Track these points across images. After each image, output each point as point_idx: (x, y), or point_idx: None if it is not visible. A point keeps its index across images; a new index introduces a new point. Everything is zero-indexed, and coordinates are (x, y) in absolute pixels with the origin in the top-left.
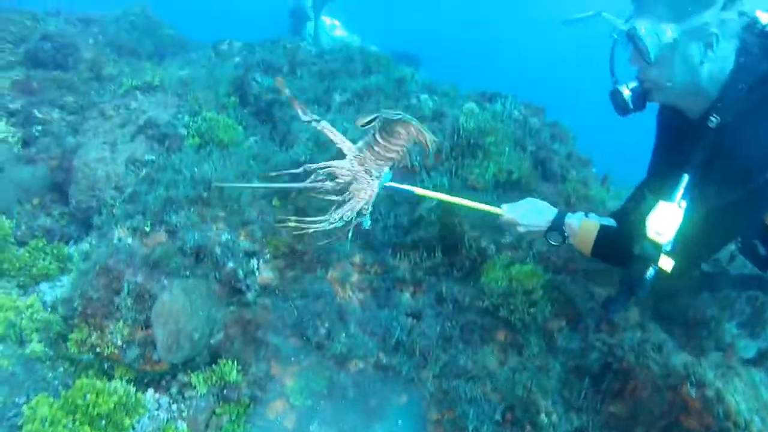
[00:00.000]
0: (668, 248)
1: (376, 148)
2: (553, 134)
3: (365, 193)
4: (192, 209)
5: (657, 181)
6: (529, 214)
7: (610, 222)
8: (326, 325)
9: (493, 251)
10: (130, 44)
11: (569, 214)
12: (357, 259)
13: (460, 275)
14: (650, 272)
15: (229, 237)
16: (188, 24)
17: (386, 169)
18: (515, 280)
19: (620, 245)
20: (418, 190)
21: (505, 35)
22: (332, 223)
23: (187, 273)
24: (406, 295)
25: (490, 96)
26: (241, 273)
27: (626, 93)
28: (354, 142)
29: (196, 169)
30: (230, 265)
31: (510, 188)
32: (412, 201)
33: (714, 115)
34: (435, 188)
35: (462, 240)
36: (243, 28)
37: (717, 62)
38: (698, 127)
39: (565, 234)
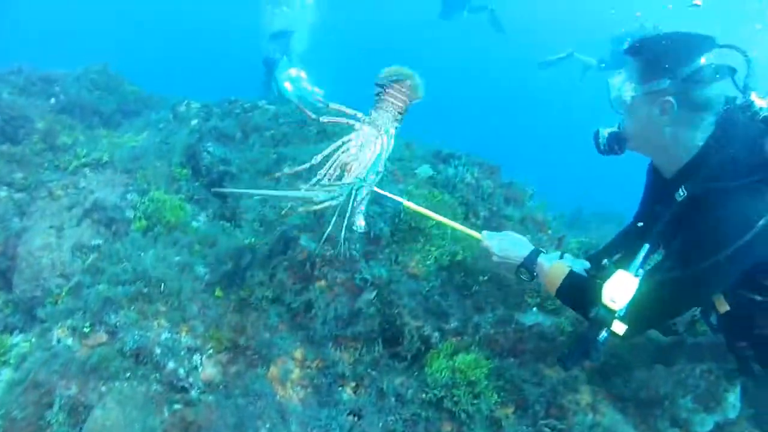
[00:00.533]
0: (622, 313)
1: (385, 102)
2: (507, 197)
3: (371, 151)
4: (132, 306)
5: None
6: (506, 246)
7: (584, 265)
8: (267, 425)
9: (438, 338)
10: (92, 104)
11: (543, 253)
12: (298, 353)
13: (403, 366)
14: (603, 335)
15: (170, 335)
16: (160, 75)
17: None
18: (458, 371)
19: (581, 298)
20: (406, 202)
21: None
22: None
23: (128, 375)
24: (347, 392)
25: (445, 156)
26: (182, 372)
27: (604, 134)
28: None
29: (139, 260)
30: (171, 365)
31: (456, 270)
32: (355, 293)
33: (683, 188)
34: (373, 279)
35: (403, 331)
36: (218, 76)
37: (684, 128)
38: (669, 195)
39: (534, 273)
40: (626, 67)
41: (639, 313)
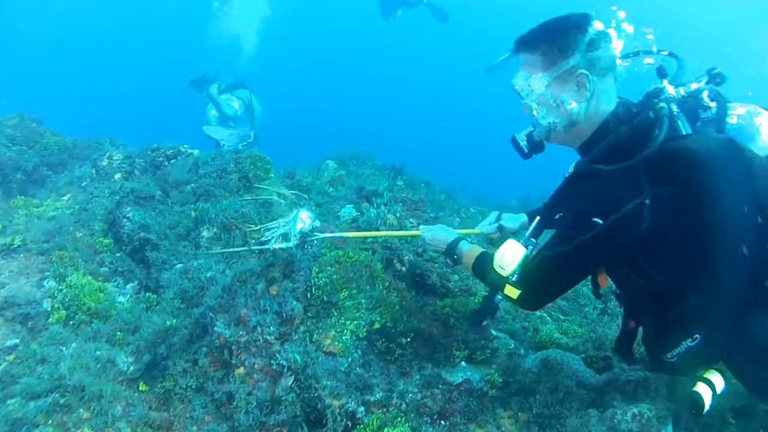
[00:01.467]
0: (514, 279)
1: None
2: None
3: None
4: (50, 420)
5: None
6: (435, 236)
7: (522, 218)
8: None
9: (363, 413)
10: (12, 161)
11: (465, 241)
12: None
13: None
14: (498, 297)
15: None
16: (84, 115)
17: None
18: None
19: (486, 269)
20: (346, 234)
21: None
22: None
23: None
24: None
25: (368, 194)
26: None
27: (523, 137)
28: None
29: (58, 361)
30: None
31: (376, 337)
32: (275, 378)
33: (572, 165)
34: (289, 363)
35: (326, 414)
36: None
37: (595, 98)
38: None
39: (455, 256)
40: (524, 66)
41: (531, 283)
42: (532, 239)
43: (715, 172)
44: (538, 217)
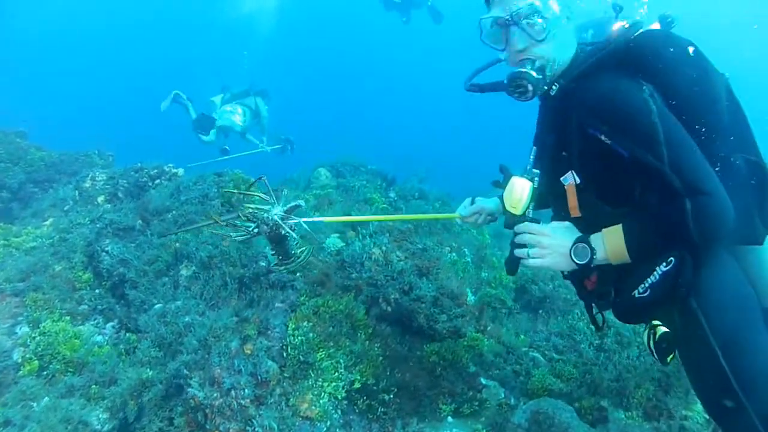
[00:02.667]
0: (529, 216)
1: None
2: (420, 268)
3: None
4: None
5: None
6: (551, 244)
7: (496, 203)
8: None
9: None
10: None
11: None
12: None
13: None
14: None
15: None
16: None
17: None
18: None
19: (657, 235)
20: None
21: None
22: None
23: None
24: None
25: (354, 222)
26: None
27: (531, 73)
28: None
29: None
30: None
31: (357, 396)
32: None
33: (555, 83)
34: (264, 431)
35: None
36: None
37: (572, 28)
38: (543, 99)
39: (593, 255)
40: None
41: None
42: (535, 170)
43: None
44: (534, 148)
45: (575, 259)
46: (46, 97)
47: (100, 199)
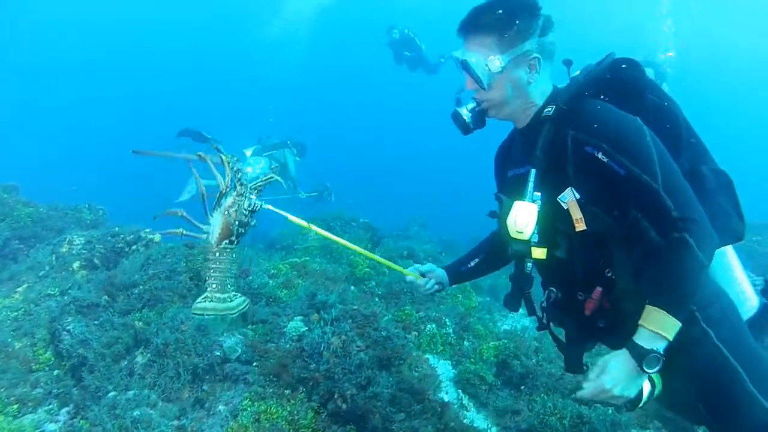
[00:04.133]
0: (536, 240)
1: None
2: (381, 359)
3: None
4: None
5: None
6: (614, 378)
7: (443, 274)
8: None
9: None
10: None
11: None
12: None
13: None
14: (528, 266)
15: None
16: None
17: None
18: None
19: (683, 282)
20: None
21: None
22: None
23: None
24: None
25: (318, 304)
26: None
27: (465, 113)
28: None
29: None
30: None
31: None
32: None
33: (548, 107)
34: None
35: None
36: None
37: (543, 79)
38: (532, 128)
39: (658, 350)
40: (474, 45)
41: (552, 230)
42: (536, 194)
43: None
44: (533, 170)
45: (649, 370)
46: (44, 142)
47: (76, 265)
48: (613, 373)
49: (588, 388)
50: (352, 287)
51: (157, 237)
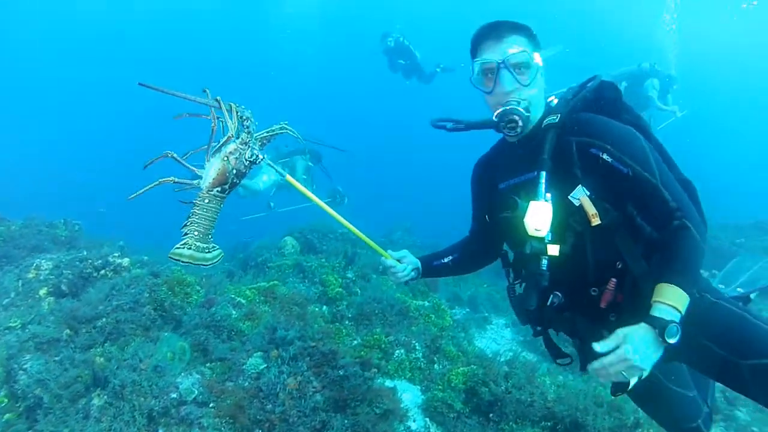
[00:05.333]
0: (549, 238)
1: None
2: (337, 401)
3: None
4: None
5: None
6: (639, 351)
7: (416, 263)
8: None
9: None
10: None
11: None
12: None
13: None
14: (544, 263)
15: None
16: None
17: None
18: None
19: (694, 262)
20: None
21: None
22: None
23: None
24: None
25: (278, 341)
26: None
27: (523, 113)
28: None
29: None
30: None
31: None
32: None
33: (551, 116)
34: None
35: None
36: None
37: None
38: (534, 136)
39: (676, 322)
40: (514, 44)
41: (564, 227)
42: (547, 195)
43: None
44: (543, 173)
45: (670, 339)
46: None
47: (42, 291)
48: (634, 343)
49: (608, 359)
50: (324, 307)
51: (125, 261)
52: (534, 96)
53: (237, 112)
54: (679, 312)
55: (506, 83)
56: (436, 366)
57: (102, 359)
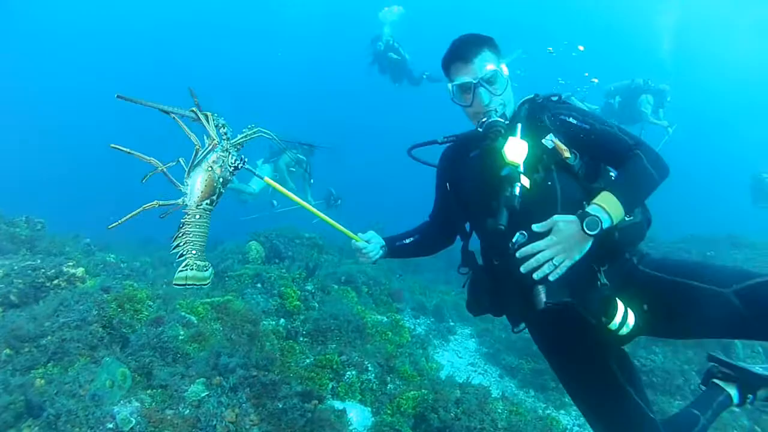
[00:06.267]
0: (521, 170)
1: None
2: None
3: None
4: None
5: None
6: (562, 239)
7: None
8: None
9: None
10: None
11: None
12: None
13: None
14: (516, 188)
15: None
16: None
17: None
18: None
19: (643, 184)
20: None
21: None
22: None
23: None
24: None
25: (221, 369)
26: None
27: (501, 121)
28: None
29: None
30: None
31: None
32: None
33: (524, 103)
34: None
35: None
36: None
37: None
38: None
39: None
40: (481, 61)
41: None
42: (525, 135)
43: None
44: (518, 125)
45: (589, 231)
46: None
47: None
48: (561, 232)
49: (537, 243)
50: (282, 320)
51: (79, 271)
52: (506, 96)
53: (213, 121)
54: (607, 213)
55: (483, 98)
56: (389, 386)
57: (42, 381)
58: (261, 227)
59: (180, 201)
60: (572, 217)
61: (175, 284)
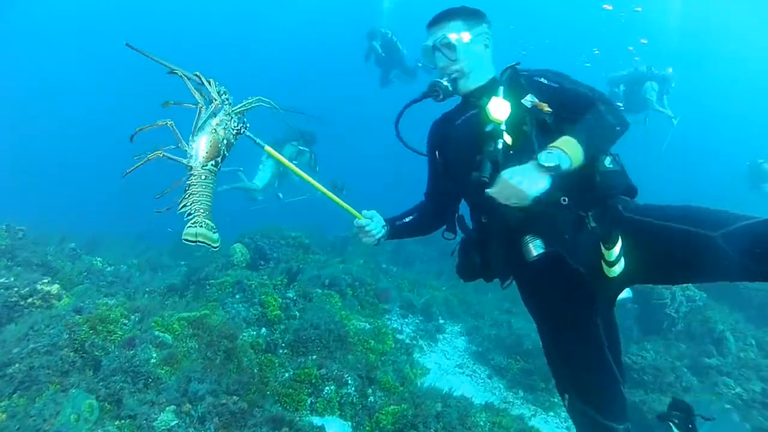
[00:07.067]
0: (503, 128)
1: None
2: None
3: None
4: None
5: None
6: (518, 181)
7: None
8: None
9: None
10: None
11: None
12: None
13: None
14: (500, 144)
15: None
16: None
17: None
18: None
19: (601, 135)
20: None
21: None
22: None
23: None
24: None
25: (191, 395)
26: None
27: (446, 83)
28: None
29: None
30: None
31: None
32: None
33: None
34: None
35: None
36: None
37: (490, 57)
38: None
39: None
40: (447, 26)
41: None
42: (507, 96)
43: None
44: (501, 87)
45: (547, 163)
46: None
47: None
48: (519, 172)
49: (497, 185)
50: (263, 329)
51: (54, 288)
52: (467, 65)
53: (215, 87)
54: (564, 153)
55: (438, 61)
56: (370, 399)
57: (4, 416)
58: (262, 219)
59: (185, 161)
60: (529, 162)
61: (185, 240)
